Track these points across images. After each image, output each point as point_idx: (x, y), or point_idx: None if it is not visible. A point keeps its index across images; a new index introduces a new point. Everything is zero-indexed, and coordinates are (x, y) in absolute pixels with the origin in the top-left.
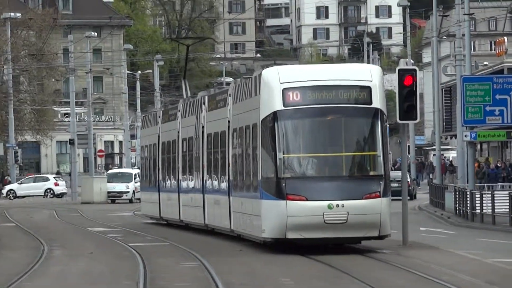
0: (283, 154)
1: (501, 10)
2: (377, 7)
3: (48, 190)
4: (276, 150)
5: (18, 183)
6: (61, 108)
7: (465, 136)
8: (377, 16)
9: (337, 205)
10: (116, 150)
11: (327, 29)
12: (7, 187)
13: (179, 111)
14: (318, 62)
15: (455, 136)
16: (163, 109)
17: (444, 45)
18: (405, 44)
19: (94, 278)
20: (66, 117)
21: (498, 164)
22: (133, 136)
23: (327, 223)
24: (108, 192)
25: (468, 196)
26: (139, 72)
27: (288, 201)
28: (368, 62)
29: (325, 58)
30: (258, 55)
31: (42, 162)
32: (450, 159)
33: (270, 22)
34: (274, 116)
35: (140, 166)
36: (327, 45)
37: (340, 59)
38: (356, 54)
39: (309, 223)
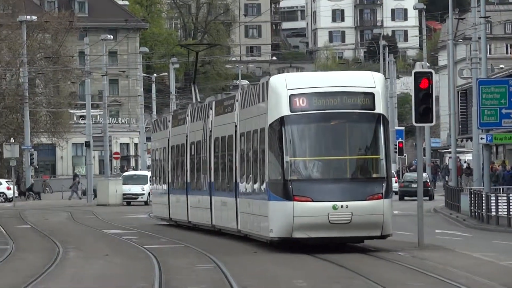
0: (290, 157)
1: None
2: (393, 10)
3: (1, 194)
4: (283, 154)
5: None
6: (77, 110)
7: (481, 138)
8: (393, 19)
9: (342, 206)
10: (132, 152)
11: (343, 32)
12: None
13: (187, 115)
14: (334, 65)
15: (471, 138)
16: (172, 113)
17: (460, 48)
18: (421, 47)
19: (109, 280)
20: (82, 119)
21: None
22: (148, 139)
23: (332, 223)
24: (124, 194)
25: (483, 198)
26: (155, 74)
27: (294, 202)
28: (384, 65)
29: (340, 61)
30: (274, 58)
31: (58, 165)
32: (466, 161)
33: (286, 25)
34: (282, 121)
35: (151, 169)
36: (343, 48)
37: (355, 62)
38: (372, 57)
39: (314, 223)
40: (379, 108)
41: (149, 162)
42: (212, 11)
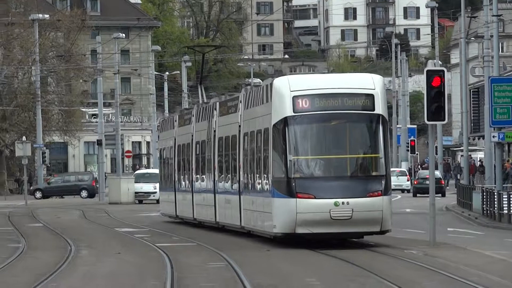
0: (293, 156)
1: None
2: (405, 8)
3: None
4: (286, 153)
5: None
6: (89, 109)
7: (493, 137)
8: (405, 17)
9: (343, 203)
10: (144, 150)
11: (355, 31)
12: None
13: (193, 115)
14: (346, 64)
15: (483, 137)
16: (179, 113)
17: (472, 46)
18: (433, 45)
19: (121, 278)
20: (94, 118)
21: None
22: None
23: (333, 219)
24: (136, 193)
25: (495, 196)
26: (167, 73)
27: (297, 199)
28: (396, 63)
29: (353, 60)
30: (286, 56)
31: (70, 163)
32: (479, 159)
33: (298, 23)
34: (285, 121)
35: (159, 167)
36: (355, 46)
37: (368, 61)
38: (384, 56)
39: (316, 219)
40: (379, 109)
41: None
42: (224, 9)
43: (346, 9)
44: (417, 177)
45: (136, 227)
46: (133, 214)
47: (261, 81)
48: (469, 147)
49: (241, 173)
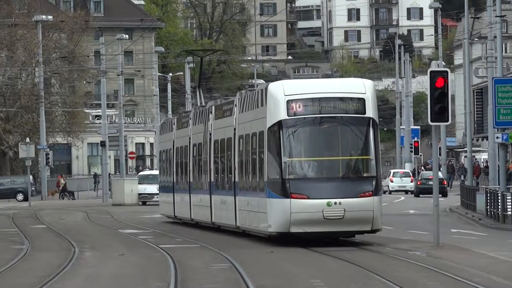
0: (287, 158)
1: None
2: (408, 9)
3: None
4: (281, 154)
5: None
6: (92, 110)
7: (497, 138)
8: (408, 18)
9: (335, 203)
10: (147, 152)
11: (359, 31)
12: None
13: (190, 119)
14: (349, 65)
15: (487, 138)
16: (177, 116)
17: (476, 47)
18: (436, 46)
19: (125, 280)
20: (97, 119)
21: None
22: None
23: (326, 218)
24: (139, 194)
25: (499, 197)
26: (170, 74)
27: (292, 199)
28: (400, 64)
29: (356, 61)
30: (290, 57)
31: (73, 164)
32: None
33: (302, 24)
34: (280, 124)
35: (159, 169)
36: (359, 47)
37: (371, 62)
38: (387, 56)
39: (310, 219)
40: (369, 112)
41: None
42: (227, 10)
43: (349, 10)
44: (420, 178)
45: (140, 229)
46: (137, 216)
47: (264, 82)
48: (473, 148)
49: (236, 174)
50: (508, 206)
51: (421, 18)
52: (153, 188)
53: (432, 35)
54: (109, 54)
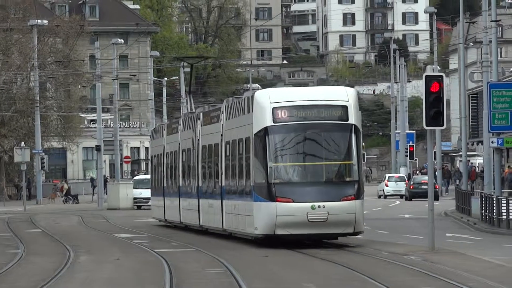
0: (273, 163)
1: None
2: (403, 14)
3: None
4: (267, 160)
5: None
6: (88, 114)
7: (492, 142)
8: (403, 22)
9: (319, 206)
10: (142, 156)
11: (354, 36)
12: None
13: (180, 125)
14: (344, 69)
15: (482, 142)
16: (167, 122)
17: (471, 51)
18: (431, 51)
19: (120, 284)
20: (93, 123)
21: None
22: None
23: (310, 221)
24: (134, 198)
25: (494, 202)
26: (166, 78)
27: (277, 202)
28: (395, 69)
29: (351, 65)
30: (285, 61)
31: (68, 169)
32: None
33: (297, 29)
34: (265, 131)
35: (150, 174)
36: (354, 52)
37: (366, 66)
38: (382, 61)
39: (295, 221)
40: (352, 119)
41: None
42: (223, 15)
43: (344, 15)
44: (412, 182)
45: (135, 233)
46: (132, 220)
47: (259, 86)
48: (468, 153)
49: (223, 179)
50: (503, 211)
51: (416, 22)
52: (148, 193)
53: (427, 39)
54: (104, 58)
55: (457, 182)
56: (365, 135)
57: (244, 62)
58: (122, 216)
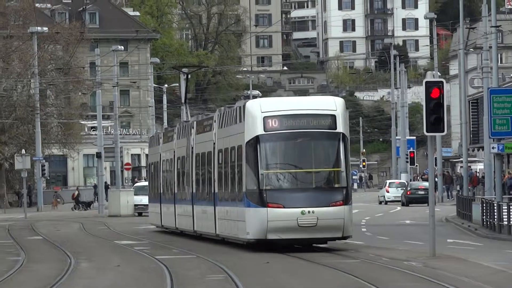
0: (264, 170)
1: None
2: (403, 20)
3: None
4: (258, 167)
5: None
6: (88, 121)
7: (492, 148)
8: (403, 28)
9: (309, 212)
10: (143, 163)
11: (354, 42)
12: None
13: (175, 133)
14: (345, 75)
15: (482, 148)
16: (163, 131)
17: (471, 57)
18: (432, 57)
19: None
20: (93, 130)
21: None
22: None
23: (300, 226)
24: (135, 205)
25: (495, 207)
26: (166, 85)
27: (268, 208)
28: (395, 75)
29: (351, 71)
30: (285, 68)
31: (69, 176)
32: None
33: (297, 35)
34: (257, 139)
35: (148, 181)
36: (354, 58)
37: (366, 72)
38: (382, 67)
39: (285, 226)
40: (340, 128)
41: None
42: (223, 21)
43: (344, 21)
44: (409, 188)
45: (136, 240)
46: (133, 227)
47: (260, 93)
48: (469, 158)
49: (215, 186)
50: (504, 216)
51: (416, 28)
52: None
53: (427, 45)
54: (104, 65)
55: (458, 188)
56: (365, 141)
57: (244, 69)
58: (123, 223)
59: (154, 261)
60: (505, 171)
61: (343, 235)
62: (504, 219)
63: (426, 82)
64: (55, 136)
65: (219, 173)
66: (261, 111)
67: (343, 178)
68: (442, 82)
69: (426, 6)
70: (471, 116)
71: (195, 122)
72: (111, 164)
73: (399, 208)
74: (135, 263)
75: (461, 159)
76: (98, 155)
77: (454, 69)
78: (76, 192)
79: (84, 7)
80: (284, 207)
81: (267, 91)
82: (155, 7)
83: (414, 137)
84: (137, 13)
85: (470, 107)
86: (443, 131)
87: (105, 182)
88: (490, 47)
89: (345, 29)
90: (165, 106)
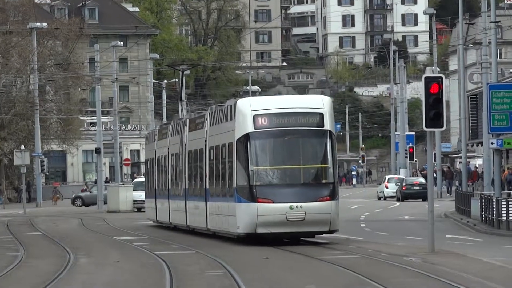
0: (254, 166)
1: None
2: (403, 15)
3: None
4: (248, 163)
5: None
6: (87, 117)
7: (491, 143)
8: (403, 24)
9: (297, 206)
10: (142, 159)
11: (353, 38)
12: None
13: (169, 130)
14: (344, 71)
15: (481, 143)
16: (158, 128)
17: (470, 52)
18: (431, 52)
19: (120, 287)
20: (92, 126)
21: None
22: None
23: (289, 220)
24: (134, 201)
25: (494, 203)
26: (165, 81)
27: (258, 203)
28: (394, 70)
29: (351, 67)
30: (284, 63)
31: (68, 171)
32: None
33: (296, 30)
34: (247, 136)
35: (144, 177)
36: (353, 54)
37: (366, 68)
38: (382, 63)
39: (274, 221)
40: (327, 126)
41: None
42: (222, 17)
43: (344, 16)
44: (404, 183)
45: (135, 235)
46: (132, 222)
47: (259, 88)
48: (468, 154)
49: (207, 182)
50: (503, 212)
51: (415, 24)
52: None
53: (426, 41)
54: (104, 61)
55: (457, 184)
56: (365, 136)
57: (244, 64)
58: (122, 219)
59: (153, 257)
60: (504, 167)
61: (330, 229)
62: (503, 215)
63: (426, 78)
64: (54, 131)
65: (210, 170)
66: (251, 109)
67: (330, 174)
68: (441, 77)
69: (425, 2)
70: (470, 112)
71: (188, 120)
72: (111, 159)
73: (398, 203)
74: (134, 259)
75: (460, 155)
76: (97, 150)
77: (453, 64)
78: (85, 187)
79: (83, 2)
80: (273, 202)
81: (266, 87)
82: (155, 2)
83: (413, 133)
84: (137, 9)
85: (469, 102)
86: (442, 126)
87: (106, 178)
88: (490, 42)
89: (344, 25)
90: (164, 102)
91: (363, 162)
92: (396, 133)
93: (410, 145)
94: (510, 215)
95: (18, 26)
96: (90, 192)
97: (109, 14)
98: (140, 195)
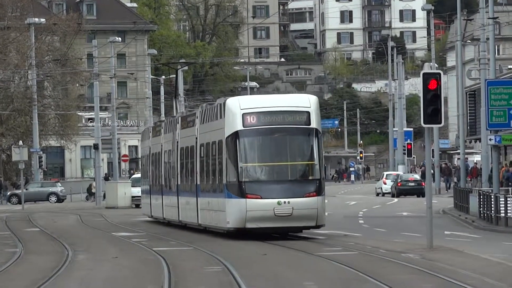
0: (243, 163)
1: None
2: (401, 11)
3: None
4: (238, 160)
5: None
6: (85, 113)
7: (490, 139)
8: (401, 20)
9: (284, 202)
10: (140, 155)
11: (351, 34)
12: None
13: (162, 128)
14: (342, 67)
15: (479, 139)
16: (152, 125)
17: (468, 49)
18: (429, 48)
19: (119, 283)
20: (90, 122)
21: None
22: None
23: (277, 215)
24: (132, 197)
25: (492, 199)
26: (163, 76)
27: (247, 199)
28: (392, 66)
29: (349, 63)
30: (282, 59)
31: (66, 167)
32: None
33: (294, 26)
34: (236, 134)
35: (140, 173)
36: (351, 50)
37: (364, 64)
38: (380, 58)
39: (263, 216)
40: (314, 124)
41: None
42: (220, 13)
43: (342, 12)
44: (399, 179)
45: (133, 231)
46: (130, 218)
47: (257, 84)
48: (466, 150)
49: (198, 178)
50: (501, 208)
51: (413, 20)
52: None
53: (424, 37)
54: (102, 56)
55: (456, 180)
56: (363, 132)
57: (242, 60)
58: (120, 215)
59: (152, 253)
60: (502, 163)
61: (317, 224)
62: (501, 211)
63: (424, 74)
64: (52, 127)
65: (201, 166)
66: (240, 108)
67: (316, 170)
68: (439, 73)
69: None
70: (468, 108)
71: (180, 118)
72: (109, 155)
73: (396, 199)
74: (132, 255)
75: (458, 151)
76: (96, 146)
77: (451, 60)
78: (93, 183)
79: None
80: (261, 198)
81: (264, 83)
82: None
83: (412, 129)
84: (135, 5)
85: (467, 98)
86: (440, 122)
87: (105, 174)
88: (487, 38)
89: (342, 21)
90: (162, 98)
91: (361, 158)
92: (394, 129)
93: (408, 141)
94: (508, 211)
95: (16, 21)
96: (26, 189)
97: (107, 9)
98: (138, 191)
